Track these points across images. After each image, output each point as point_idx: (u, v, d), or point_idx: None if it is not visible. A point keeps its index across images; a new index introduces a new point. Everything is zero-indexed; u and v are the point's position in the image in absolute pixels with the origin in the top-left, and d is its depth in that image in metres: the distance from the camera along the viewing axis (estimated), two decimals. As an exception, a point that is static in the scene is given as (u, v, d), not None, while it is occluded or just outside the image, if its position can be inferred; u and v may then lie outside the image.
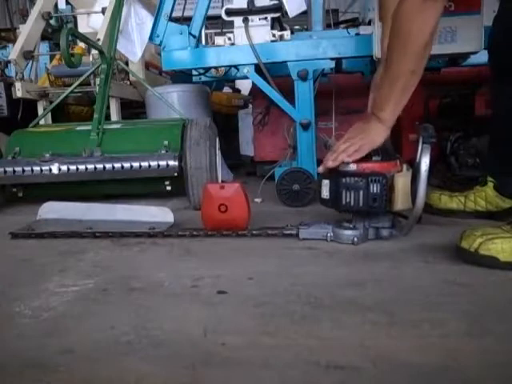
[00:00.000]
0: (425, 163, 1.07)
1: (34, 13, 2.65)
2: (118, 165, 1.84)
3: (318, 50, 1.86)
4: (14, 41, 3.45)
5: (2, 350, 0.71)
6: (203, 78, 2.62)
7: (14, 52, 2.52)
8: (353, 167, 1.18)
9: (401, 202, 1.14)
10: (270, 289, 0.92)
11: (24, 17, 4.74)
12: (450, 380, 0.59)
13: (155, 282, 0.99)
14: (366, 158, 1.18)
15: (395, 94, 1.15)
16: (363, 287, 0.91)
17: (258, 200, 1.91)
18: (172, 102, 2.42)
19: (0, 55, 4.11)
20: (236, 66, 2.08)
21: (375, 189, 1.13)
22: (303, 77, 1.86)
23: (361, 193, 1.14)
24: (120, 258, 1.19)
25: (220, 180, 1.93)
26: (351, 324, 0.75)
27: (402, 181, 1.14)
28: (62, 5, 3.37)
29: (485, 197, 1.38)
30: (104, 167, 1.83)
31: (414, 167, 1.13)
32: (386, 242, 1.21)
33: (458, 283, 0.91)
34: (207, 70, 2.42)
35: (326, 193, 1.22)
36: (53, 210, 1.56)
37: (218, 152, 1.95)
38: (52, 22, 3.23)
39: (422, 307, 0.81)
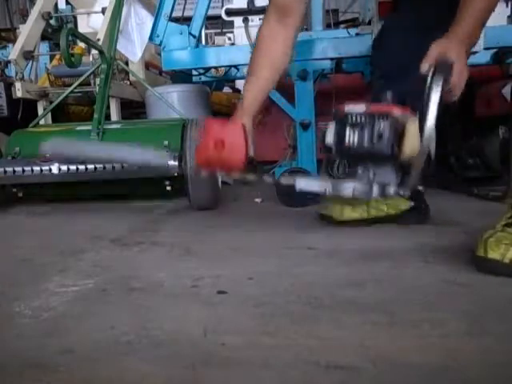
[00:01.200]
0: (435, 95, 0.97)
1: (34, 13, 2.66)
2: (117, 165, 1.84)
3: (318, 50, 1.87)
4: (14, 41, 3.45)
5: (2, 349, 0.71)
6: (203, 78, 2.62)
7: (13, 52, 2.53)
8: (361, 108, 1.09)
9: (411, 145, 1.04)
10: (270, 289, 0.92)
11: (24, 17, 4.74)
12: (450, 380, 0.59)
13: (155, 281, 0.98)
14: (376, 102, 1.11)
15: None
16: (363, 287, 0.91)
17: (257, 200, 1.91)
18: (172, 102, 2.42)
19: (0, 55, 4.11)
20: (236, 66, 2.08)
21: (382, 126, 1.05)
22: (303, 77, 1.86)
23: (366, 131, 1.06)
24: (120, 258, 1.19)
25: (220, 181, 1.93)
26: (351, 324, 0.75)
27: (414, 125, 1.05)
28: (62, 5, 3.37)
29: (385, 201, 1.39)
30: (104, 167, 1.83)
31: (422, 103, 1.03)
32: (386, 242, 1.21)
33: (458, 283, 0.91)
34: (207, 69, 2.42)
35: (330, 138, 1.12)
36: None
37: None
38: (52, 22, 3.23)
39: (422, 307, 0.81)
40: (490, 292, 0.87)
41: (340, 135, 1.08)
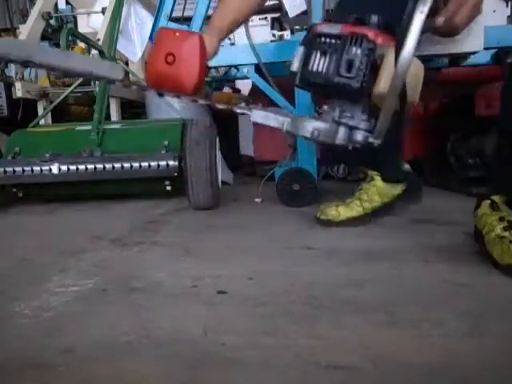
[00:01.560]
0: (422, 7, 0.76)
1: (33, 13, 2.65)
2: (117, 165, 1.84)
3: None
4: (13, 41, 3.44)
5: (2, 349, 0.71)
6: (203, 78, 2.62)
7: (14, 52, 2.52)
8: (337, 29, 0.90)
9: (384, 82, 0.86)
10: (270, 289, 0.92)
11: (24, 17, 4.74)
12: (450, 380, 0.59)
13: (155, 281, 0.98)
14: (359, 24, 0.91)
15: None
16: (363, 287, 0.91)
17: (257, 200, 1.91)
18: (172, 101, 2.42)
19: (0, 55, 4.10)
20: (236, 66, 2.08)
21: (354, 51, 0.87)
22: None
23: (334, 56, 0.88)
24: (120, 258, 1.19)
25: (220, 180, 1.93)
26: (351, 324, 0.75)
27: (393, 56, 0.86)
28: (62, 5, 3.37)
29: (377, 191, 1.36)
30: (104, 167, 1.84)
31: (404, 19, 0.83)
32: (386, 242, 1.21)
33: (458, 283, 0.91)
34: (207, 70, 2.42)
35: (296, 63, 0.95)
36: None
37: (218, 152, 1.96)
38: (52, 22, 3.23)
39: (422, 307, 0.81)
40: (490, 292, 0.87)
41: (307, 59, 0.92)
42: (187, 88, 1.01)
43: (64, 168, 1.84)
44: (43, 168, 1.84)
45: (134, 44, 2.64)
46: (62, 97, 2.29)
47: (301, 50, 0.94)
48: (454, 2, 0.81)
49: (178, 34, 1.02)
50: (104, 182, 1.90)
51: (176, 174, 1.82)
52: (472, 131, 2.02)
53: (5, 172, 1.85)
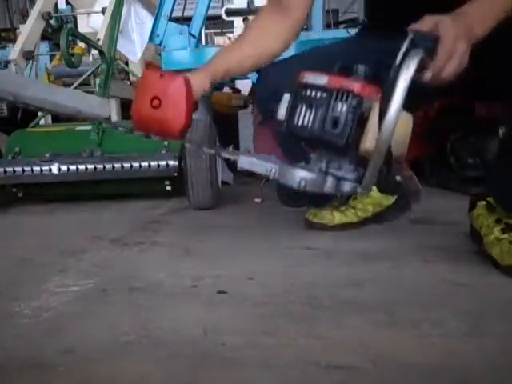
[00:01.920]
0: (407, 68, 0.74)
1: (34, 13, 2.65)
2: (117, 165, 1.84)
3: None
4: (14, 41, 3.45)
5: (2, 349, 0.71)
6: (203, 78, 2.62)
7: (14, 52, 2.52)
8: (323, 80, 0.87)
9: (371, 139, 0.84)
10: (269, 289, 0.92)
11: (24, 17, 4.73)
12: (450, 380, 0.59)
13: (155, 281, 0.98)
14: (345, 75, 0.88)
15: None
16: (363, 287, 0.91)
17: (257, 200, 1.91)
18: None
19: (0, 55, 4.11)
20: (236, 66, 2.08)
21: (339, 108, 0.84)
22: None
23: (319, 111, 0.86)
24: (120, 258, 1.19)
25: (220, 180, 1.93)
26: (351, 324, 0.75)
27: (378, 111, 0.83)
28: (62, 5, 3.37)
29: (371, 201, 1.37)
30: (104, 167, 1.84)
31: (387, 82, 0.79)
32: (386, 242, 1.21)
33: (458, 283, 0.91)
34: (207, 70, 2.42)
35: (282, 112, 0.92)
36: None
37: (218, 152, 1.96)
38: (52, 22, 3.22)
39: (422, 307, 0.81)
40: (490, 292, 0.87)
41: (292, 110, 0.90)
42: (174, 132, 1.00)
43: (64, 168, 1.84)
44: (43, 168, 1.84)
45: (134, 44, 2.63)
46: (61, 97, 2.28)
47: (287, 98, 0.92)
48: (441, 58, 0.80)
49: (163, 76, 1.00)
50: (104, 182, 1.90)
51: (176, 174, 1.82)
52: (472, 131, 2.02)
53: (5, 172, 1.85)
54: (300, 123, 0.88)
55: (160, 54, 2.12)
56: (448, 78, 0.81)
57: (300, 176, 0.92)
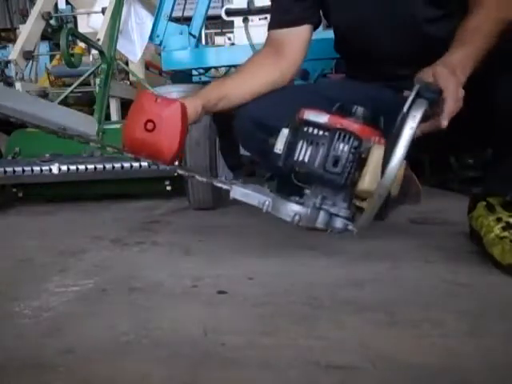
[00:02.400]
0: (413, 118, 0.78)
1: (34, 13, 2.65)
2: (117, 165, 1.84)
3: (318, 50, 1.86)
4: (14, 41, 3.45)
5: (2, 349, 0.71)
6: (203, 78, 2.62)
7: (14, 52, 2.52)
8: (324, 118, 0.90)
9: (370, 178, 0.86)
10: (270, 289, 0.92)
11: (24, 17, 4.74)
12: (450, 380, 0.59)
13: (155, 281, 0.98)
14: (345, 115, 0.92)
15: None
16: (363, 287, 0.91)
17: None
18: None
19: (0, 55, 4.11)
20: (236, 66, 2.08)
21: (341, 148, 0.87)
22: (303, 77, 1.86)
23: (320, 150, 0.88)
24: (120, 258, 1.19)
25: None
26: (351, 324, 0.75)
27: (378, 153, 0.86)
28: (62, 5, 3.37)
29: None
30: (104, 167, 1.84)
31: (393, 131, 0.83)
32: (386, 242, 1.21)
33: (458, 283, 0.91)
34: (207, 69, 2.42)
35: (279, 146, 0.93)
36: None
37: (218, 152, 1.96)
38: (52, 22, 3.23)
39: (422, 307, 0.81)
40: (490, 292, 0.87)
41: (291, 146, 0.92)
42: (166, 157, 1.01)
43: (64, 168, 1.84)
44: (43, 168, 1.84)
45: (134, 44, 2.63)
46: (61, 97, 2.29)
47: (285, 133, 0.93)
48: (449, 105, 0.85)
49: (159, 100, 1.00)
50: (104, 182, 1.90)
51: (176, 174, 1.82)
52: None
53: (5, 172, 1.85)
54: (300, 159, 0.90)
55: (160, 54, 2.12)
56: (447, 123, 0.86)
57: (294, 210, 0.94)
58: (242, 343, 0.70)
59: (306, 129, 0.90)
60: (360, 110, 0.90)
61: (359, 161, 0.88)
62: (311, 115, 0.91)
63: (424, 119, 0.81)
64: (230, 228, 1.49)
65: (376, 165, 0.86)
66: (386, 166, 0.80)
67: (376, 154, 0.86)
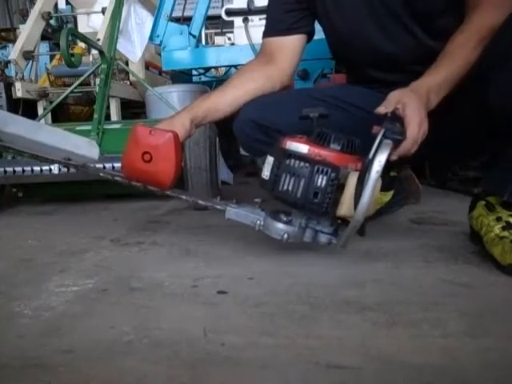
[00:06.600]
0: (379, 162, 0.86)
1: (34, 13, 2.65)
2: (118, 165, 1.84)
3: (317, 50, 1.86)
4: (14, 41, 3.45)
5: (2, 349, 0.71)
6: (203, 78, 2.62)
7: (14, 52, 2.52)
8: (304, 149, 0.96)
9: (347, 206, 0.94)
10: (270, 289, 0.92)
11: (24, 17, 4.74)
12: (450, 380, 0.59)
13: (155, 282, 0.98)
14: (323, 144, 0.97)
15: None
16: (363, 287, 0.91)
17: (257, 200, 1.91)
18: (172, 102, 2.42)
19: (0, 55, 4.11)
20: (236, 66, 2.08)
21: (320, 181, 0.93)
22: (303, 77, 1.86)
23: (302, 182, 0.95)
24: (120, 258, 1.19)
25: (220, 180, 1.93)
26: (351, 324, 0.75)
27: (353, 181, 0.93)
28: (62, 5, 3.38)
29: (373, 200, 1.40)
30: (104, 167, 1.83)
31: (365, 165, 0.91)
32: (386, 242, 1.21)
33: (458, 283, 0.91)
34: (207, 69, 2.42)
35: (266, 172, 1.01)
36: None
37: (218, 152, 1.96)
38: (52, 22, 3.23)
39: (422, 307, 0.81)
40: (490, 292, 0.87)
41: (276, 175, 0.99)
42: (165, 184, 1.11)
43: (64, 168, 1.84)
44: (43, 168, 1.84)
45: (134, 44, 2.63)
46: (61, 97, 2.29)
47: (271, 161, 1.01)
48: (409, 142, 0.91)
49: (152, 132, 1.09)
50: (104, 182, 1.90)
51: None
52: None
53: (5, 172, 1.85)
54: (284, 189, 0.97)
55: (160, 54, 2.12)
56: (414, 150, 0.93)
57: (283, 230, 1.02)
58: (241, 343, 0.70)
59: (288, 161, 0.97)
60: (337, 137, 0.95)
61: (338, 188, 0.94)
62: (292, 145, 0.97)
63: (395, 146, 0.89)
64: (230, 228, 1.49)
65: (352, 193, 0.93)
66: (359, 200, 0.88)
67: (351, 182, 0.93)
